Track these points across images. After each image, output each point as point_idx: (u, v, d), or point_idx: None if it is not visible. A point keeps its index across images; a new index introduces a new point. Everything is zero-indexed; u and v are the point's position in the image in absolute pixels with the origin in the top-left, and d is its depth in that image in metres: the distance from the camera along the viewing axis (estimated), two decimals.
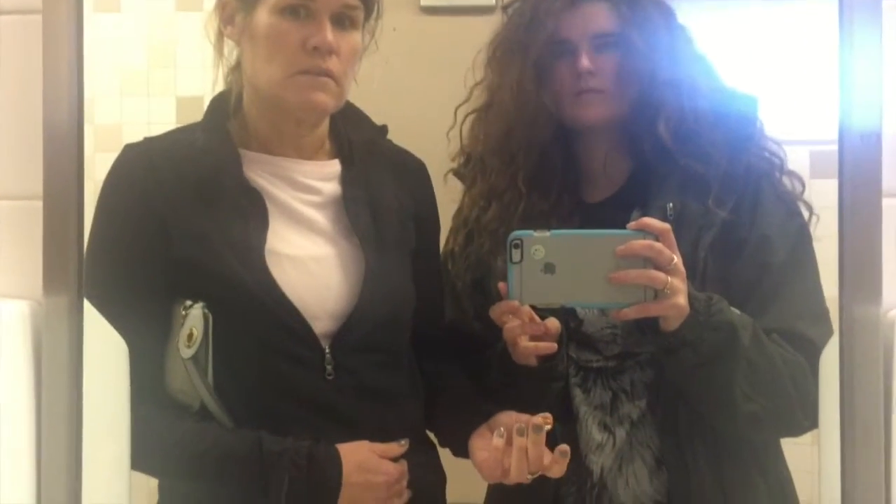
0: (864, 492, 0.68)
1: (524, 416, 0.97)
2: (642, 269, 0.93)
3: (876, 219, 0.66)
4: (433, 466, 1.06)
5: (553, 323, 1.02)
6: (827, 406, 0.77)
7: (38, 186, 0.72)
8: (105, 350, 0.79)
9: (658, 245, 0.93)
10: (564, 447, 0.96)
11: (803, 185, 1.09)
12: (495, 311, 1.02)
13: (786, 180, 1.09)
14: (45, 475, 0.68)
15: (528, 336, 1.01)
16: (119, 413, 0.79)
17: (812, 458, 0.91)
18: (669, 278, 0.93)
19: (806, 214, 1.08)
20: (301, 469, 0.94)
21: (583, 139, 1.12)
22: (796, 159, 1.12)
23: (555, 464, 0.96)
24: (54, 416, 0.68)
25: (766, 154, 1.10)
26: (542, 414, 0.96)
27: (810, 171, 1.20)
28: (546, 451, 0.96)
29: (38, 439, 0.69)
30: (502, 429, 0.97)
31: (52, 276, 0.69)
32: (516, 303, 0.98)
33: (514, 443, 0.95)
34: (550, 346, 1.01)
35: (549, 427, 0.95)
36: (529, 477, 0.96)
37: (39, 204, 0.71)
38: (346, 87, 1.00)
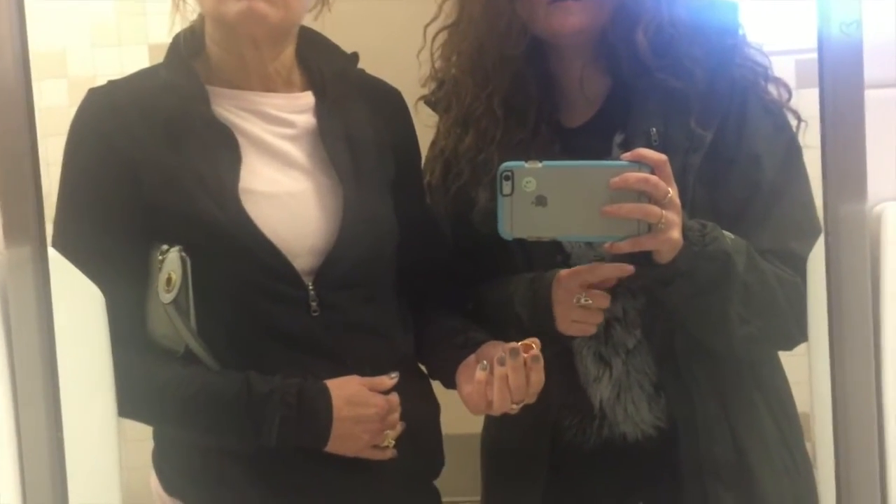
0: (854, 395, 0.68)
1: (506, 347, 0.96)
2: (636, 201, 0.91)
3: (859, 111, 0.64)
4: (426, 398, 1.06)
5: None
6: (816, 312, 0.76)
7: None
8: (77, 299, 0.77)
9: (653, 178, 0.91)
10: (534, 352, 0.94)
11: (790, 92, 1.07)
12: (584, 277, 1.00)
13: (771, 88, 1.06)
14: (24, 433, 0.67)
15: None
16: (98, 361, 0.78)
17: (806, 369, 0.91)
18: (664, 212, 0.91)
19: (794, 123, 1.06)
20: (291, 407, 0.94)
21: (558, 54, 1.08)
22: (782, 70, 1.09)
23: (530, 371, 0.94)
24: (28, 368, 0.67)
25: (750, 63, 1.06)
26: (524, 341, 0.95)
27: (796, 80, 1.17)
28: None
29: (14, 392, 0.68)
30: (485, 362, 0.96)
31: (12, 225, 0.67)
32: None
33: (494, 372, 0.94)
34: (593, 329, 1.02)
35: (533, 352, 0.94)
36: (514, 407, 0.96)
37: None
38: (296, 1, 0.96)
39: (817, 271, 0.71)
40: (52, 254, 0.72)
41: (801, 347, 1.02)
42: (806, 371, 0.86)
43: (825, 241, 0.67)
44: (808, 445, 1.12)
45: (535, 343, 0.95)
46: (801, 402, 1.12)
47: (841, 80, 0.65)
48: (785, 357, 1.12)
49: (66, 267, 0.77)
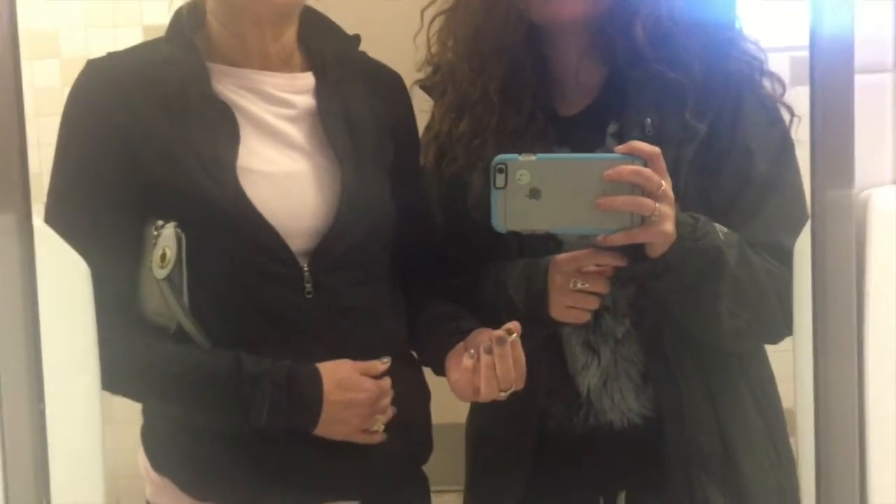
0: (836, 383, 0.68)
1: (492, 335, 0.96)
2: (630, 194, 0.92)
3: (848, 96, 0.64)
4: (417, 384, 1.07)
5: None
6: (800, 303, 0.76)
7: None
8: (62, 272, 0.77)
9: (647, 171, 0.92)
10: (514, 338, 0.94)
11: (784, 87, 1.07)
12: (580, 262, 1.00)
13: (766, 83, 1.07)
14: (5, 401, 0.67)
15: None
16: (82, 331, 0.78)
17: (791, 364, 0.91)
18: (657, 205, 0.92)
19: (787, 118, 1.06)
20: (281, 388, 0.94)
21: (554, 42, 1.08)
22: (776, 67, 1.10)
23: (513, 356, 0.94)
24: (10, 338, 0.67)
25: (746, 58, 1.07)
26: (506, 325, 0.95)
27: (791, 77, 1.17)
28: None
29: None
30: (472, 350, 0.96)
31: None
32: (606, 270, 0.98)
33: (481, 360, 0.95)
34: (587, 317, 1.01)
35: (513, 337, 0.94)
36: (502, 394, 0.96)
37: None
38: None
39: (802, 260, 0.71)
40: (38, 225, 0.72)
41: (787, 343, 1.02)
42: (790, 367, 0.86)
43: (811, 226, 0.67)
44: (792, 441, 1.12)
45: (514, 327, 0.94)
46: (786, 398, 1.12)
47: (831, 65, 0.65)
48: (771, 352, 1.13)
49: (52, 241, 0.76)
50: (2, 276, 0.65)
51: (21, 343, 0.66)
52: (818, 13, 0.64)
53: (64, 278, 0.75)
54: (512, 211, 0.93)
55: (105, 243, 0.91)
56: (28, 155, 0.69)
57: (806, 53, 0.70)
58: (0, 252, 0.65)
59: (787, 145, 1.05)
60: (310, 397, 0.95)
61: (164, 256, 0.93)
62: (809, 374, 0.70)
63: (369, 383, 0.98)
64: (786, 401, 1.13)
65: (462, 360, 0.97)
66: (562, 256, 1.01)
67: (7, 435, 0.66)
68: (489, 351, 0.94)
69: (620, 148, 0.94)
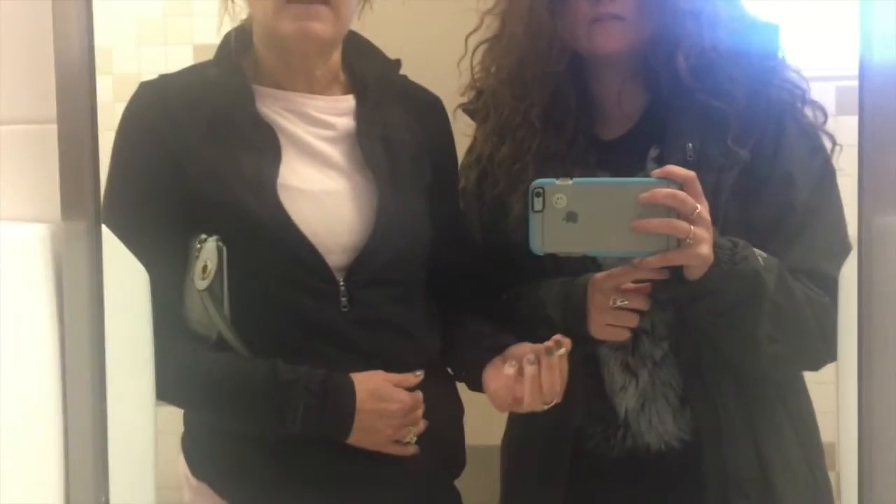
0: (882, 409, 0.68)
1: (538, 346, 0.97)
2: (665, 217, 0.92)
3: None
4: (450, 398, 1.07)
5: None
6: (845, 332, 0.76)
7: (51, 110, 0.72)
8: (127, 275, 0.80)
9: (681, 194, 0.92)
10: (553, 345, 0.95)
11: (826, 116, 1.07)
12: (619, 280, 1.00)
13: (808, 111, 1.07)
14: (70, 399, 0.70)
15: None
16: (142, 337, 0.80)
17: (832, 398, 0.91)
18: (693, 227, 0.92)
19: (829, 146, 1.07)
20: (315, 396, 0.96)
21: (597, 71, 1.09)
22: (822, 96, 1.09)
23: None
24: (77, 338, 0.70)
25: (788, 86, 1.07)
26: (555, 338, 0.96)
27: (836, 107, 1.17)
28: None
29: (63, 363, 0.71)
30: (514, 360, 0.97)
31: (70, 199, 0.70)
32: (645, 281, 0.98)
33: (525, 371, 0.96)
34: (626, 335, 1.02)
35: (562, 351, 0.95)
36: (545, 406, 0.97)
37: (54, 127, 0.72)
38: (346, 15, 0.99)
39: (848, 287, 0.71)
40: (106, 233, 0.75)
41: (829, 376, 1.02)
42: (832, 400, 0.86)
43: (858, 252, 0.67)
44: (832, 475, 1.11)
45: (565, 342, 0.96)
46: (827, 431, 1.11)
47: (880, 94, 0.65)
48: (812, 385, 1.11)
49: (117, 250, 0.79)
50: (71, 280, 0.68)
51: (86, 343, 0.69)
52: (867, 42, 0.64)
53: (127, 285, 0.78)
54: (549, 234, 0.94)
55: (152, 253, 0.93)
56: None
57: (851, 83, 0.70)
58: (70, 256, 0.68)
59: (828, 173, 1.05)
60: (343, 405, 0.96)
61: (205, 268, 0.96)
62: (854, 406, 0.69)
63: (402, 394, 0.99)
64: (826, 434, 1.12)
65: (502, 369, 0.98)
66: (601, 274, 1.02)
67: (70, 433, 0.68)
68: (533, 362, 0.95)
69: (656, 172, 0.95)
